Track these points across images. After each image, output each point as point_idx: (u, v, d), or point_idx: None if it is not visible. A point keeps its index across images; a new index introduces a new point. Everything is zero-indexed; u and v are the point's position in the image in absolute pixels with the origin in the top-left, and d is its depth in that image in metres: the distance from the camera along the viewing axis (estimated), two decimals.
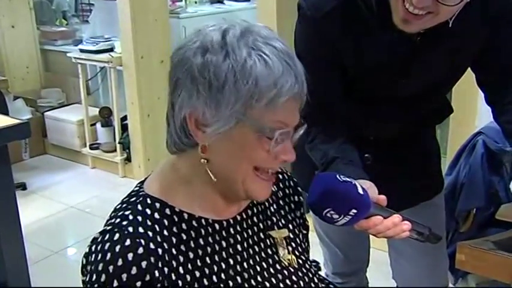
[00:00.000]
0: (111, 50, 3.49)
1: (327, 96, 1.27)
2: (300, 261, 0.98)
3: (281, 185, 1.04)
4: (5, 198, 2.06)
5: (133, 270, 0.78)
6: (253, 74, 0.78)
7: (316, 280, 0.99)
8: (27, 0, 4.12)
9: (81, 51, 3.54)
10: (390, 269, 1.60)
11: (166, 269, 0.81)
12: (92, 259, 0.81)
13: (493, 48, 1.23)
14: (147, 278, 0.78)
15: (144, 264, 0.78)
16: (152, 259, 0.80)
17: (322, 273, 1.59)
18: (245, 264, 0.91)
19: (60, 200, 3.34)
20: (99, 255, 0.80)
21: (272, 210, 1.00)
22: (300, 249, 1.01)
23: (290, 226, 1.01)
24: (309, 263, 1.01)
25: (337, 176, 0.97)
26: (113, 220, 0.85)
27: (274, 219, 0.99)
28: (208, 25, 0.84)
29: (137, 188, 0.92)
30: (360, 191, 0.96)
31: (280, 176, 1.04)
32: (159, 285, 0.79)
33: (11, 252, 2.10)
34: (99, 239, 0.82)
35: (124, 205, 0.88)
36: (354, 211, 0.95)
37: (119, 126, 3.59)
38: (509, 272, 1.73)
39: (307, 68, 1.29)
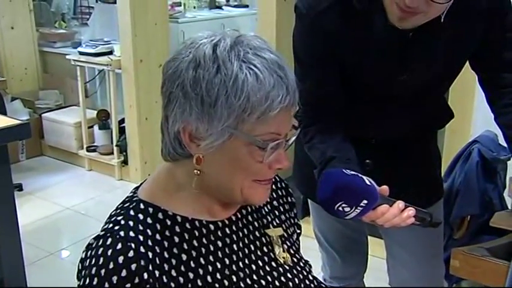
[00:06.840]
0: (111, 53, 3.50)
1: (325, 95, 1.29)
2: (295, 260, 1.01)
3: (274, 187, 1.05)
4: (4, 198, 2.06)
5: (123, 273, 0.79)
6: (244, 89, 0.78)
7: (310, 277, 1.01)
8: (27, 1, 4.13)
9: (81, 53, 3.55)
10: (387, 275, 1.61)
11: (157, 272, 0.82)
12: (87, 264, 0.83)
13: (489, 43, 1.24)
14: (136, 280, 0.80)
15: (133, 266, 0.80)
16: (142, 262, 0.81)
17: (320, 277, 1.61)
18: (240, 263, 0.92)
19: (56, 202, 3.34)
20: (93, 260, 0.82)
21: (266, 210, 1.02)
22: (294, 248, 1.04)
23: (284, 226, 1.03)
24: (303, 261, 1.03)
25: (344, 171, 1.02)
26: (106, 226, 0.87)
27: (269, 218, 1.01)
28: (201, 36, 0.84)
29: (131, 194, 0.93)
30: (367, 182, 1.01)
31: (272, 178, 1.07)
32: (148, 286, 0.80)
33: (9, 252, 2.10)
34: (93, 245, 0.84)
35: (118, 211, 0.90)
36: (365, 202, 1.00)
37: (116, 129, 3.60)
38: (502, 278, 1.76)
39: (304, 67, 1.31)
